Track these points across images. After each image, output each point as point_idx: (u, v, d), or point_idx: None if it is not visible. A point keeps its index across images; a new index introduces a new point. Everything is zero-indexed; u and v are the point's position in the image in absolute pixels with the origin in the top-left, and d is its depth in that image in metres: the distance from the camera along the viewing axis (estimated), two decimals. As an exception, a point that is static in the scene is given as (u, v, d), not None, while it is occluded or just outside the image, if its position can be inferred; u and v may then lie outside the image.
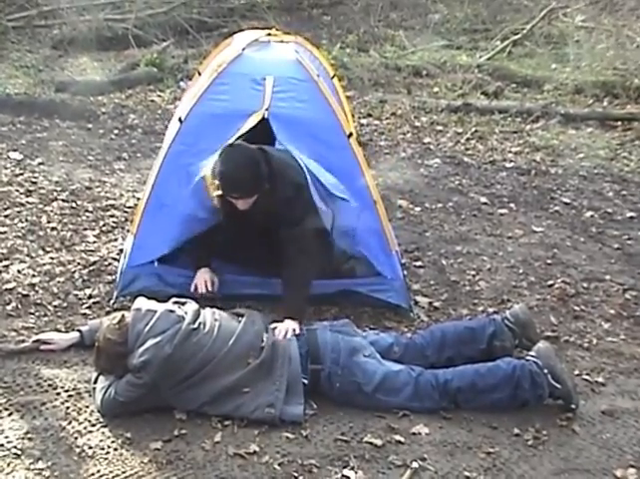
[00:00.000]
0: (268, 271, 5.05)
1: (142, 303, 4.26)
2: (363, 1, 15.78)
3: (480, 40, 14.86)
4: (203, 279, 5.06)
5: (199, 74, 6.52)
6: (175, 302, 4.35)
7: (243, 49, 5.67)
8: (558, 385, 4.18)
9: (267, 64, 5.65)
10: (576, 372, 4.67)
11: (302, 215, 4.90)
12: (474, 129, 10.00)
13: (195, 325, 4.12)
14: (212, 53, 6.97)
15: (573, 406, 4.24)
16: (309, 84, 5.41)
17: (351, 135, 5.28)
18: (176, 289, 4.92)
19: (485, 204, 7.52)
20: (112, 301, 5.06)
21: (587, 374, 4.68)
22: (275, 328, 4.39)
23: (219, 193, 4.81)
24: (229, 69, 5.45)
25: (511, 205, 7.52)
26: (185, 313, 4.18)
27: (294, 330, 4.40)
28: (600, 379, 4.65)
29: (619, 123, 10.46)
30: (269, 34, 6.29)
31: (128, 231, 5.72)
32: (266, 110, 5.07)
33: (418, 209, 7.26)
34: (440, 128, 10.12)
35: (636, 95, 11.37)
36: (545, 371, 4.17)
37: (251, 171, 4.71)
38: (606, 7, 14.03)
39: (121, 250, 5.52)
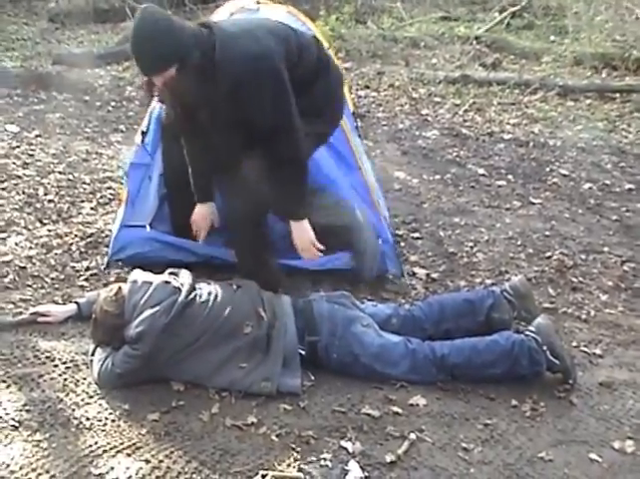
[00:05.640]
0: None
1: (138, 275, 4.25)
2: (360, -28, 15.69)
3: (479, 11, 14.82)
4: (202, 222, 4.82)
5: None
6: (171, 274, 4.34)
7: (232, 14, 5.59)
8: (557, 361, 4.16)
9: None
10: (574, 344, 4.67)
11: (274, 99, 4.08)
12: (472, 100, 9.98)
13: (192, 296, 4.12)
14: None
15: (571, 382, 4.24)
16: None
17: None
18: (170, 253, 4.99)
19: (483, 175, 7.51)
20: (103, 267, 5.11)
21: (585, 346, 4.68)
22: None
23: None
24: None
25: (509, 176, 7.51)
26: (182, 285, 4.17)
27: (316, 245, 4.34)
28: (598, 351, 4.64)
29: (618, 95, 10.44)
30: (258, 2, 6.19)
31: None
32: None
33: (415, 180, 7.25)
34: (437, 99, 10.10)
35: (635, 67, 11.33)
36: (544, 348, 4.15)
37: (152, 36, 3.85)
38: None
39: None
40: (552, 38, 13.04)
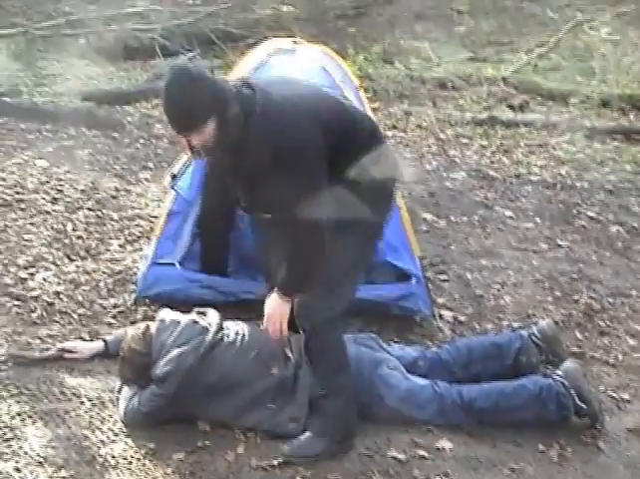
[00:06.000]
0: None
1: (166, 314, 4.27)
2: (388, 13, 15.76)
3: (506, 52, 14.83)
4: None
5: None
6: (199, 313, 4.34)
7: (268, 55, 5.64)
8: (584, 406, 4.15)
9: (292, 71, 5.60)
10: (602, 389, 4.65)
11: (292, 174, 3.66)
12: (499, 142, 9.96)
13: (219, 336, 4.13)
14: (239, 63, 6.95)
15: (598, 427, 4.21)
16: (334, 90, 5.36)
17: None
18: (199, 291, 5.01)
19: (511, 217, 7.48)
20: (131, 304, 5.13)
21: (613, 391, 4.66)
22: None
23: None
24: (254, 76, 5.42)
25: (537, 219, 7.48)
26: (209, 324, 4.17)
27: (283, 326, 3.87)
28: (626, 396, 4.62)
29: (645, 137, 10.41)
30: (295, 42, 6.26)
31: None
32: None
33: (443, 222, 7.23)
34: (465, 141, 10.08)
35: (662, 109, 11.33)
36: (572, 392, 4.13)
37: (185, 90, 3.58)
38: (632, 20, 13.98)
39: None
40: (579, 79, 13.01)
